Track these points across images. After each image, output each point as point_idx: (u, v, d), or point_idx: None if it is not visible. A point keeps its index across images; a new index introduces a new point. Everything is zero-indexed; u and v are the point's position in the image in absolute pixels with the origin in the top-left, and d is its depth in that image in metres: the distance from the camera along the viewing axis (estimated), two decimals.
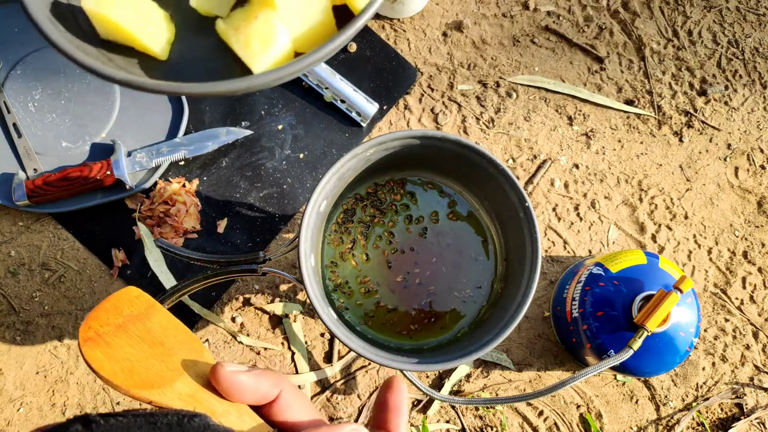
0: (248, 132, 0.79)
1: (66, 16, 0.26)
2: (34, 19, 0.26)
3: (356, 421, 0.75)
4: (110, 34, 0.26)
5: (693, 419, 0.76)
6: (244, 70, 0.26)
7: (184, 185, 0.78)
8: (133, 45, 0.27)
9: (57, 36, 0.25)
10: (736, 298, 0.80)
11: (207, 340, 0.75)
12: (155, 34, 0.26)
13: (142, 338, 0.29)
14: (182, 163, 0.79)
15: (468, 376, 0.76)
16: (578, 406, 0.76)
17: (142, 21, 0.25)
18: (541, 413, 0.76)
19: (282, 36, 0.25)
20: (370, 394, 0.75)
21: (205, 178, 0.79)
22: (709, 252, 0.82)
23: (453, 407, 0.75)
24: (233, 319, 0.76)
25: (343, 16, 0.26)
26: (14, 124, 0.77)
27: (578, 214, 0.82)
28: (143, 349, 0.29)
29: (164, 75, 0.27)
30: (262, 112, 0.81)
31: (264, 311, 0.77)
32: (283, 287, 0.78)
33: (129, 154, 0.77)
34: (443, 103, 0.84)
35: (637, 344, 0.62)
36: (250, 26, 0.24)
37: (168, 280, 0.75)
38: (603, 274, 0.69)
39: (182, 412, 0.25)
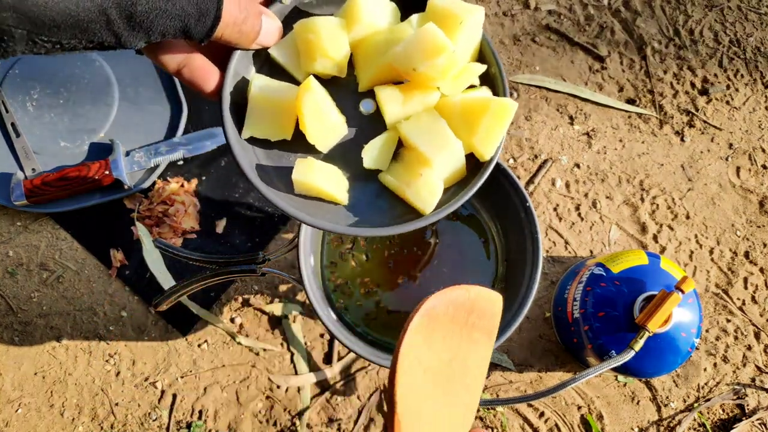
0: None
1: (268, 181, 0.37)
2: (259, 189, 0.36)
3: (355, 422, 0.74)
4: (306, 191, 0.37)
5: (694, 420, 0.76)
6: (406, 206, 0.37)
7: (182, 185, 0.77)
8: (323, 197, 0.37)
9: (273, 196, 0.36)
10: (738, 299, 0.80)
11: (206, 340, 0.75)
12: (339, 187, 0.37)
13: (450, 362, 0.27)
14: (181, 162, 0.79)
15: None
16: (579, 407, 0.76)
17: (331, 180, 0.37)
18: (542, 414, 0.75)
19: (440, 186, 0.36)
20: (370, 396, 0.75)
21: (204, 178, 0.79)
22: (711, 252, 0.81)
23: None
24: (232, 320, 0.76)
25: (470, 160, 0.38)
26: (12, 124, 0.77)
27: (579, 214, 0.81)
28: (440, 383, 0.26)
29: (345, 215, 0.37)
30: None
31: (263, 312, 0.76)
32: (283, 288, 0.77)
33: (127, 154, 0.76)
34: None
35: (638, 345, 0.62)
36: (418, 181, 0.36)
37: (166, 280, 0.75)
38: (604, 274, 0.68)
39: None
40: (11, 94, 0.78)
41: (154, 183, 0.77)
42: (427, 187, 0.36)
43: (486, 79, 0.39)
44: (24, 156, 0.76)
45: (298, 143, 0.38)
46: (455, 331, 0.28)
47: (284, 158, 0.38)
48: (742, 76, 0.88)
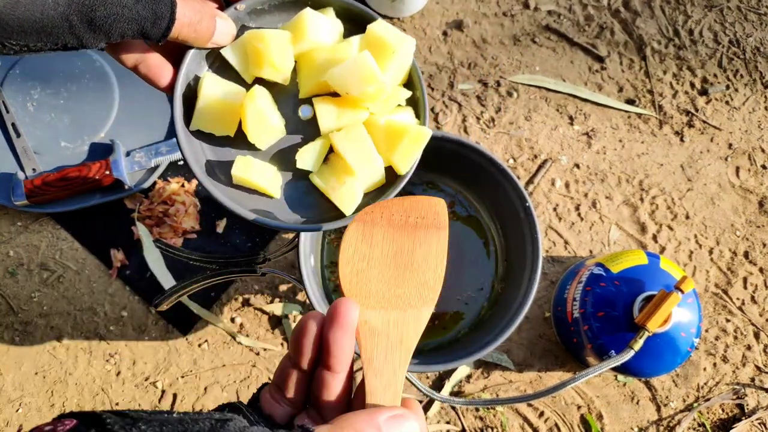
0: None
1: (209, 171, 0.42)
2: (198, 178, 0.41)
3: None
4: (243, 184, 0.42)
5: (694, 420, 0.76)
6: (331, 205, 0.43)
7: (183, 185, 0.78)
8: (258, 190, 0.42)
9: (210, 185, 0.41)
10: (737, 299, 0.80)
11: (206, 340, 0.75)
12: (272, 183, 0.42)
13: (395, 254, 0.31)
14: (181, 162, 0.79)
15: (468, 376, 0.76)
16: (579, 407, 0.76)
17: (266, 176, 0.42)
18: (541, 414, 0.75)
19: (360, 193, 0.42)
20: None
21: None
22: (710, 252, 0.81)
23: (453, 408, 0.75)
24: (232, 320, 0.76)
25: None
26: (13, 124, 0.77)
27: (579, 214, 0.81)
28: (387, 270, 0.31)
29: (277, 208, 0.43)
30: None
31: (263, 312, 0.76)
32: (283, 287, 0.77)
33: (128, 154, 0.77)
34: (443, 102, 0.84)
35: (638, 345, 0.62)
36: (342, 187, 0.42)
37: (167, 280, 0.75)
38: (604, 274, 0.68)
39: (215, 417, 0.25)
40: (12, 95, 0.78)
41: (154, 183, 0.77)
42: (349, 193, 0.42)
43: (412, 101, 0.44)
44: (24, 156, 0.76)
45: (240, 140, 0.42)
46: (396, 231, 0.33)
47: (226, 153, 0.43)
48: (741, 76, 0.88)
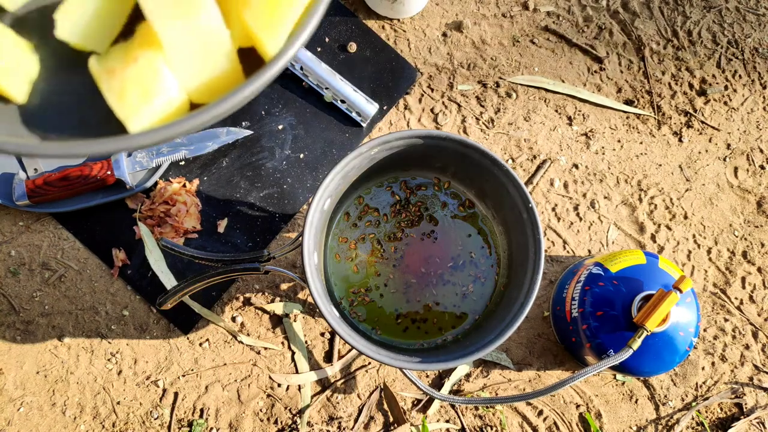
0: (248, 132, 0.79)
1: None
2: None
3: (356, 420, 0.75)
4: None
5: (692, 419, 0.76)
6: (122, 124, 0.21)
7: (184, 185, 0.78)
8: None
9: None
10: (736, 298, 0.80)
11: (207, 339, 0.76)
12: (11, 70, 0.20)
13: None
14: (183, 163, 0.79)
15: (468, 375, 0.76)
16: (578, 406, 0.76)
17: None
18: (540, 413, 0.76)
19: (168, 85, 0.19)
20: (371, 394, 0.75)
21: (205, 178, 0.79)
22: (709, 252, 0.82)
23: (453, 407, 0.76)
24: (233, 319, 0.76)
25: (251, 60, 0.22)
26: None
27: (578, 214, 0.82)
28: None
29: (15, 120, 0.21)
30: (263, 112, 0.81)
31: (264, 311, 0.77)
32: (284, 286, 0.78)
33: (129, 154, 0.77)
34: (443, 103, 0.84)
35: (636, 344, 0.62)
36: (126, 70, 0.19)
37: (169, 280, 0.75)
38: (602, 273, 0.69)
39: None
40: None
41: (156, 183, 0.77)
42: (139, 83, 0.19)
43: None
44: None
45: None
46: None
47: None
48: (740, 77, 0.88)
